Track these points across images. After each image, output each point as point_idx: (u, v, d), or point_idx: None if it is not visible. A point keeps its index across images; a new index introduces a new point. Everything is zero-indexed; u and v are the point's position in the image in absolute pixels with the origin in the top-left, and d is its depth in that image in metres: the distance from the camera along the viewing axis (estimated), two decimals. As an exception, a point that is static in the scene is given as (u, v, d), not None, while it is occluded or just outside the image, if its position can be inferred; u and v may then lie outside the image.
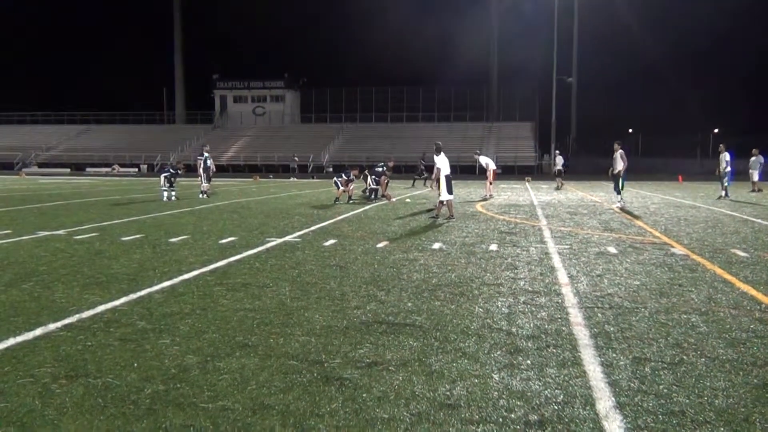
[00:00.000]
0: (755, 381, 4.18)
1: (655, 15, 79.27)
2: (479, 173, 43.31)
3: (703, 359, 4.60)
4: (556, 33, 57.94)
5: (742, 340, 5.07)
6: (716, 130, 72.06)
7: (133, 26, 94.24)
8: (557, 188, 31.50)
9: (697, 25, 77.53)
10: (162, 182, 21.39)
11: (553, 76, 58.59)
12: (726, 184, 23.12)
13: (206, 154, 23.14)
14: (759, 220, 14.48)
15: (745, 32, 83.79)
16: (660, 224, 13.73)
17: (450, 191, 14.40)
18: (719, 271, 8.07)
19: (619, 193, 19.30)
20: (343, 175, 20.66)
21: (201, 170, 23.03)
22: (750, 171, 26.28)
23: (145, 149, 67.42)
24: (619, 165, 18.99)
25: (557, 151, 36.15)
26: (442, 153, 14.50)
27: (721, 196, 22.81)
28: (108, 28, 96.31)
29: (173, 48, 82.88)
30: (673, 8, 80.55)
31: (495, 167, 24.52)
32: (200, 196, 22.68)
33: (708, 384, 4.12)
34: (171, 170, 21.75)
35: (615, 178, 19.28)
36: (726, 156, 23.34)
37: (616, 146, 19.16)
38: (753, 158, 26.21)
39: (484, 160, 23.96)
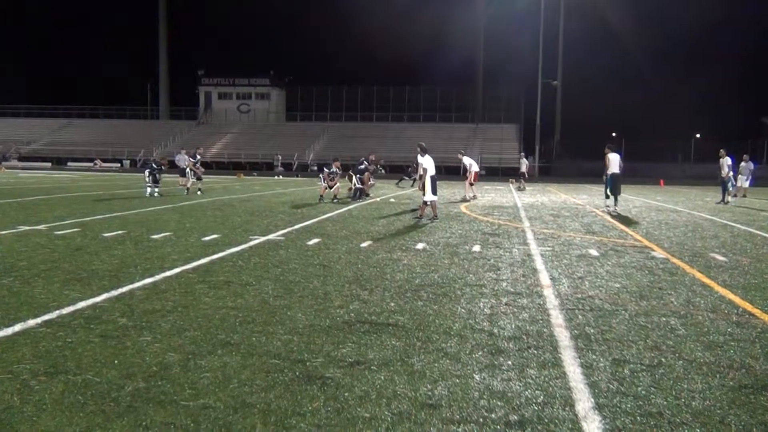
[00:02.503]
0: (731, 383, 4.25)
1: (641, 20, 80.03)
2: (463, 174, 43.35)
3: (681, 362, 4.67)
4: (542, 36, 58.33)
5: (720, 343, 5.15)
6: (698, 135, 72.97)
7: (117, 19, 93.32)
8: (520, 189, 32.36)
9: (682, 31, 78.45)
10: (146, 178, 21.31)
11: (539, 78, 58.97)
12: (730, 188, 23.25)
13: (198, 157, 23.91)
14: (738, 225, 14.68)
15: (730, 39, 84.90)
16: (641, 228, 13.87)
17: (434, 192, 14.46)
18: (698, 274, 8.18)
19: (607, 197, 18.29)
20: (324, 169, 20.38)
21: (192, 169, 23.41)
22: (739, 176, 26.50)
23: (128, 144, 66.89)
24: (615, 167, 17.81)
25: (522, 154, 37.98)
26: (427, 154, 14.61)
27: (722, 201, 22.88)
28: (92, 20, 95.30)
29: (158, 42, 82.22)
30: (658, 14, 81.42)
31: (477, 169, 24.57)
32: (197, 192, 22.75)
33: (685, 386, 4.18)
34: (154, 166, 21.68)
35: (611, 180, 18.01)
36: (728, 161, 23.40)
37: (606, 150, 17.94)
38: (743, 164, 26.46)
39: (468, 161, 24.01)
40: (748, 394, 4.07)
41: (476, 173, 24.13)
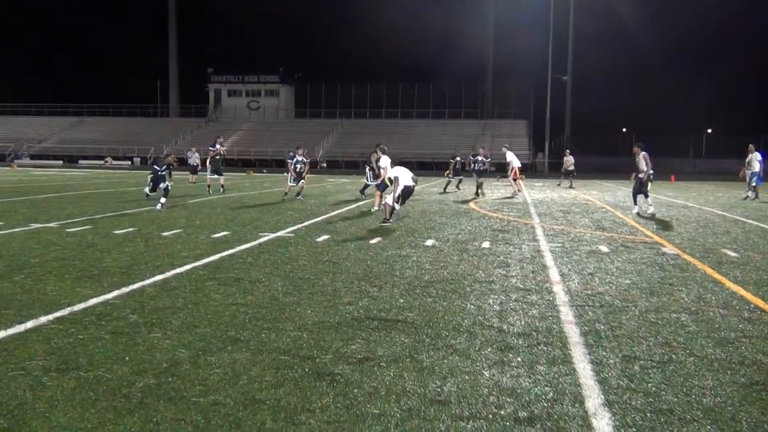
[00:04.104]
0: (743, 380, 4.22)
1: (651, 14, 79.48)
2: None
3: (692, 358, 4.64)
4: (552, 31, 58.06)
5: (731, 339, 5.12)
6: (710, 131, 72.49)
7: (127, 18, 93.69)
8: (570, 186, 30.68)
9: (693, 25, 77.81)
10: (147, 185, 17.07)
11: (549, 74, 58.71)
12: (755, 184, 22.86)
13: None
14: (750, 221, 14.57)
15: (741, 33, 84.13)
16: (651, 223, 13.80)
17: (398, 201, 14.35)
18: (709, 270, 8.13)
19: (647, 196, 16.20)
20: (287, 160, 18.54)
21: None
22: (748, 172, 26.17)
23: (139, 142, 67.21)
24: (644, 167, 16.12)
25: (567, 151, 34.68)
26: (385, 156, 15.40)
27: (748, 197, 22.46)
28: (102, 19, 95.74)
29: (168, 40, 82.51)
30: (669, 8, 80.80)
31: (519, 165, 23.85)
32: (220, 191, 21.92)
33: (696, 383, 4.16)
34: (156, 168, 16.54)
35: (638, 182, 16.33)
36: (757, 156, 23.09)
37: (636, 149, 16.37)
38: (749, 157, 26.20)
39: (510, 157, 23.66)
40: (760, 390, 4.05)
41: (517, 169, 23.64)
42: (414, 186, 13.26)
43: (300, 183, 18.55)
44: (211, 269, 7.71)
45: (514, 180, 23.69)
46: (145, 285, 6.76)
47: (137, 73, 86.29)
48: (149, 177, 16.51)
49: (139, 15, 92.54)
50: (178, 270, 7.59)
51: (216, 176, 21.82)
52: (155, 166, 16.46)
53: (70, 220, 12.53)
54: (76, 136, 71.76)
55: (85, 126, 75.68)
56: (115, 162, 61.70)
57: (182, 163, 28.10)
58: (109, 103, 78.57)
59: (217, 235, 10.67)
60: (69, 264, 7.88)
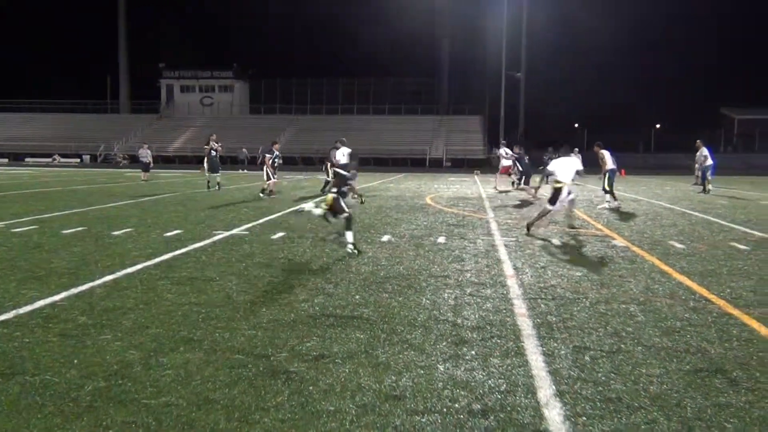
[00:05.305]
0: (688, 367, 4.36)
1: (603, 13, 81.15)
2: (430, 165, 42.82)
3: (640, 347, 4.78)
4: (506, 28, 58.74)
5: (677, 328, 5.28)
6: (658, 126, 74.54)
7: (76, 11, 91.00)
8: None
9: (642, 23, 79.83)
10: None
11: (503, 71, 59.36)
12: (710, 178, 23.47)
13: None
14: (696, 213, 15.04)
15: (690, 31, 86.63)
16: (602, 217, 14.12)
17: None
18: (657, 262, 8.37)
19: (606, 192, 16.58)
20: (266, 155, 18.13)
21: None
22: (696, 165, 26.96)
23: (88, 139, 65.41)
24: (610, 164, 16.50)
25: (576, 149, 30.99)
26: (345, 147, 17.15)
27: (707, 190, 22.95)
28: (50, 13, 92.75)
29: (117, 35, 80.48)
30: (619, 6, 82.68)
31: (508, 163, 23.60)
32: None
33: (644, 371, 4.28)
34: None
35: (611, 177, 16.58)
36: (704, 151, 23.73)
37: (596, 148, 16.69)
38: (698, 153, 27.00)
39: (501, 151, 23.84)
40: (704, 377, 4.19)
41: (504, 167, 23.74)
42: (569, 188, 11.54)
43: (274, 179, 18.63)
44: (164, 268, 7.57)
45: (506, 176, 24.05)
46: (95, 286, 6.59)
47: (86, 68, 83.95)
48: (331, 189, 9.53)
49: (88, 8, 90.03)
50: (129, 270, 7.43)
51: (214, 174, 22.23)
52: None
53: (15, 220, 12.12)
54: (23, 133, 69.37)
55: (32, 122, 73.22)
56: (63, 159, 59.90)
57: (170, 161, 27.46)
58: (58, 99, 76.23)
59: (169, 234, 10.48)
60: (14, 265, 7.63)
